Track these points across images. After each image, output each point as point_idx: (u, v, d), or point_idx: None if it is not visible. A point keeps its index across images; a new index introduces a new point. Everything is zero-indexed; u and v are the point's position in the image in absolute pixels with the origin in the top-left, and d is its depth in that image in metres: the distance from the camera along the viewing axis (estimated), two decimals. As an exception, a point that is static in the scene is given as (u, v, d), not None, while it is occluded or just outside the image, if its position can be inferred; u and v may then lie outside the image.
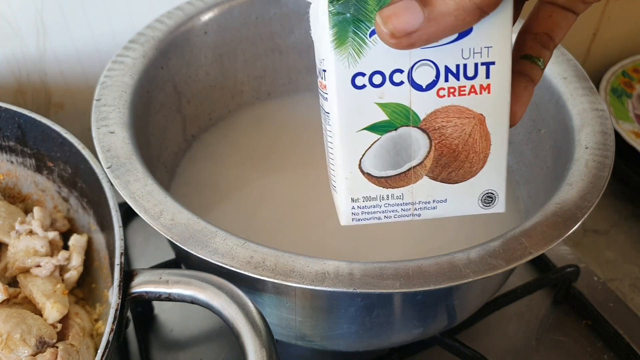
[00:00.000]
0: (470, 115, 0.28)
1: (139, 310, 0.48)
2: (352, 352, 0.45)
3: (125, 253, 0.35)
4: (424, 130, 0.29)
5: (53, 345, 0.36)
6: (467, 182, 0.30)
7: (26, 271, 0.41)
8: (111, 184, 0.37)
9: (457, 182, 0.30)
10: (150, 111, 0.46)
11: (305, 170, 0.51)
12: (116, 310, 0.33)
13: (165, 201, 0.35)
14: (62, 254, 0.41)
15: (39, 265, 0.41)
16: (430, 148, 0.29)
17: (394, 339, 0.42)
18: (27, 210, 0.46)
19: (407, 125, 0.28)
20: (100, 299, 0.42)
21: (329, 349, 0.44)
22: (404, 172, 0.30)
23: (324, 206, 0.41)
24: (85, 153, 0.41)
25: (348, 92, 0.27)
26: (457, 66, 0.27)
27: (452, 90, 0.28)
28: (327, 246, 0.44)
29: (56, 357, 0.35)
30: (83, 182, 0.43)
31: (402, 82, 0.27)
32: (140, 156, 0.38)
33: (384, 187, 0.30)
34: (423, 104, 0.28)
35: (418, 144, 0.29)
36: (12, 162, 0.47)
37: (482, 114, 0.28)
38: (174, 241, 0.33)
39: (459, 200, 0.31)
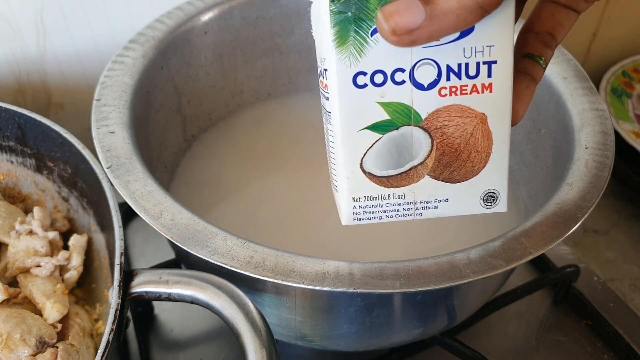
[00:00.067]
0: (472, 114, 0.28)
1: (139, 310, 0.48)
2: (352, 352, 0.45)
3: (125, 253, 0.35)
4: (425, 130, 0.29)
5: (53, 345, 0.36)
6: (468, 182, 0.30)
7: (26, 271, 0.41)
8: (111, 184, 0.37)
9: (458, 182, 0.30)
10: (150, 111, 0.46)
11: (305, 170, 0.51)
12: (116, 310, 0.33)
13: (165, 201, 0.35)
14: (62, 254, 0.41)
15: (39, 265, 0.41)
16: (432, 147, 0.29)
17: (394, 339, 0.42)
18: (27, 210, 0.46)
19: (408, 125, 0.28)
20: (100, 299, 0.42)
21: (329, 349, 0.44)
22: (406, 171, 0.30)
23: (324, 206, 0.41)
24: (85, 153, 0.41)
25: (349, 92, 0.27)
26: (459, 65, 0.27)
27: (453, 89, 0.28)
28: (327, 246, 0.44)
29: (56, 357, 0.35)
30: (83, 182, 0.43)
31: (403, 81, 0.27)
32: (140, 156, 0.38)
33: (385, 187, 0.30)
34: (425, 103, 0.28)
35: (420, 143, 0.29)
36: (12, 162, 0.47)
37: (483, 113, 0.28)
38: (174, 241, 0.33)
39: (461, 199, 0.31)
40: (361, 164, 0.29)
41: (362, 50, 0.27)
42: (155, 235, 0.44)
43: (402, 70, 0.27)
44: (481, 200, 0.31)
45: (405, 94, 0.28)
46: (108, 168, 0.36)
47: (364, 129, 0.28)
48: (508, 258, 0.32)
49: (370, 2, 0.25)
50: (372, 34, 0.26)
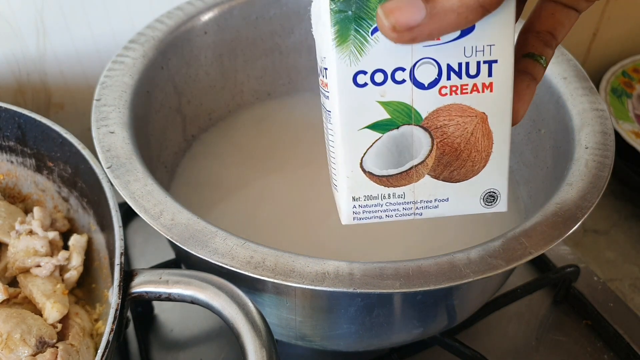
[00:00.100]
0: (473, 113, 0.28)
1: (139, 310, 0.48)
2: (352, 352, 0.45)
3: (125, 253, 0.35)
4: (425, 129, 0.29)
5: (53, 345, 0.36)
6: (469, 181, 0.30)
7: (26, 271, 0.41)
8: (111, 184, 0.37)
9: (459, 181, 0.30)
10: (150, 111, 0.46)
11: (305, 170, 0.51)
12: (116, 310, 0.33)
13: (165, 201, 0.35)
14: (62, 254, 0.41)
15: (39, 265, 0.41)
16: (432, 147, 0.29)
17: (394, 339, 0.42)
18: (27, 210, 0.46)
19: (408, 124, 0.28)
20: (100, 299, 0.42)
21: (329, 349, 0.44)
22: (406, 170, 0.30)
23: (324, 206, 0.41)
24: (85, 153, 0.41)
25: (349, 91, 0.27)
26: (460, 64, 0.27)
27: (454, 88, 0.28)
28: (327, 246, 0.44)
29: (56, 357, 0.35)
30: (83, 182, 0.43)
31: (404, 81, 0.27)
32: (140, 156, 0.38)
33: (385, 186, 0.30)
34: (425, 103, 0.28)
35: (420, 142, 0.29)
36: (12, 162, 0.47)
37: (484, 113, 0.28)
38: (174, 241, 0.33)
39: (461, 199, 0.31)
40: (361, 163, 0.29)
41: (362, 49, 0.27)
42: (155, 235, 0.44)
43: (403, 69, 0.27)
44: (481, 200, 0.31)
45: (405, 93, 0.28)
46: (108, 168, 0.36)
47: (364, 128, 0.28)
48: (508, 258, 0.32)
49: (370, 0, 0.25)
50: (372, 33, 0.26)
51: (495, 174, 0.30)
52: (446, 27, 0.24)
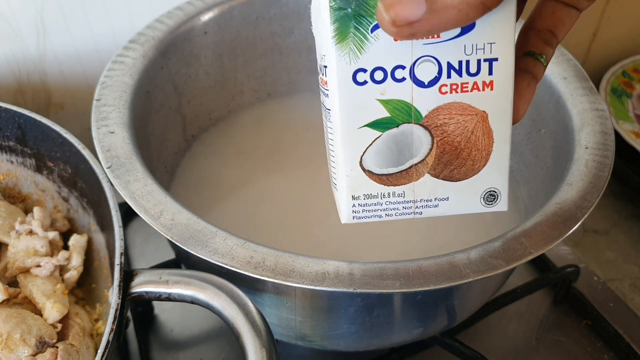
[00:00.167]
0: (473, 112, 0.28)
1: (139, 310, 0.48)
2: (352, 352, 0.45)
3: (125, 253, 0.35)
4: (425, 127, 0.29)
5: (53, 345, 0.36)
6: (469, 180, 0.30)
7: (26, 271, 0.41)
8: (111, 184, 0.37)
9: (459, 180, 0.30)
10: (150, 111, 0.46)
11: (305, 170, 0.51)
12: (116, 310, 0.33)
13: (165, 201, 0.35)
14: (62, 254, 0.41)
15: (39, 265, 0.41)
16: (432, 145, 0.29)
17: (394, 339, 0.42)
18: (27, 210, 0.46)
19: (408, 122, 0.28)
20: (100, 299, 0.42)
21: (329, 349, 0.44)
22: (406, 169, 0.30)
23: (324, 206, 0.41)
24: (85, 153, 0.41)
25: (349, 89, 0.27)
26: (460, 62, 0.27)
27: (454, 86, 0.28)
28: (327, 246, 0.44)
29: (56, 357, 0.35)
30: (83, 182, 0.43)
31: (404, 79, 0.27)
32: (140, 156, 0.38)
33: (385, 185, 0.30)
34: (425, 101, 0.28)
35: (420, 141, 0.29)
36: (12, 162, 0.47)
37: (484, 111, 0.28)
38: (174, 241, 0.33)
39: (461, 198, 0.31)
40: (361, 162, 0.29)
41: (362, 47, 0.26)
42: (155, 235, 0.44)
43: (403, 67, 0.27)
44: (482, 199, 0.31)
45: (405, 91, 0.28)
46: (108, 168, 0.36)
47: (364, 126, 0.28)
48: (508, 258, 0.32)
49: None
50: (372, 31, 0.26)
51: (495, 173, 0.30)
52: (446, 24, 0.24)
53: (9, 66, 0.54)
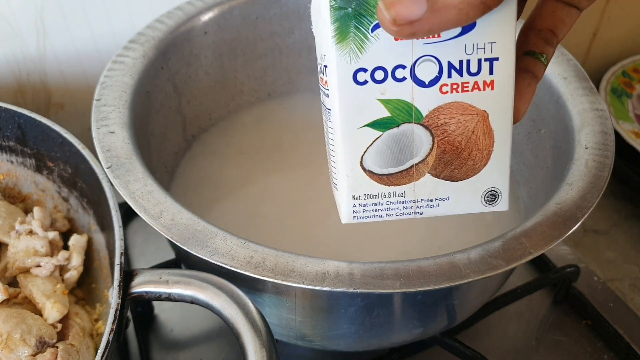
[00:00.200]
0: (474, 111, 0.28)
1: (139, 310, 0.48)
2: (352, 352, 0.45)
3: (125, 253, 0.35)
4: (426, 127, 0.29)
5: (53, 345, 0.36)
6: (469, 180, 0.30)
7: (26, 271, 0.41)
8: (111, 184, 0.37)
9: (459, 180, 0.30)
10: (150, 111, 0.46)
11: (305, 170, 0.51)
12: (116, 310, 0.33)
13: (165, 201, 0.35)
14: (62, 254, 0.41)
15: (39, 265, 0.41)
16: (433, 145, 0.29)
17: (394, 339, 0.42)
18: (27, 210, 0.46)
19: (409, 122, 0.28)
20: (100, 299, 0.42)
21: (329, 349, 0.44)
22: (406, 169, 0.29)
23: (324, 206, 0.41)
24: (85, 153, 0.41)
25: (349, 88, 0.27)
26: (460, 62, 0.27)
27: (455, 86, 0.28)
28: (327, 246, 0.44)
29: (56, 357, 0.35)
30: (83, 182, 0.43)
31: (404, 78, 0.27)
32: (140, 156, 0.38)
33: (385, 185, 0.30)
34: (425, 101, 0.28)
35: (420, 140, 0.29)
36: (12, 162, 0.47)
37: (485, 111, 0.28)
38: (174, 241, 0.33)
39: (462, 198, 0.31)
40: (361, 162, 0.29)
41: (362, 47, 0.26)
42: (155, 235, 0.44)
43: (403, 67, 0.27)
44: (482, 199, 0.31)
45: (406, 91, 0.28)
46: (108, 168, 0.36)
47: (364, 126, 0.28)
48: (508, 258, 0.32)
49: None
50: (372, 30, 0.26)
51: (496, 172, 0.30)
52: (447, 23, 0.24)
53: (9, 66, 0.54)
